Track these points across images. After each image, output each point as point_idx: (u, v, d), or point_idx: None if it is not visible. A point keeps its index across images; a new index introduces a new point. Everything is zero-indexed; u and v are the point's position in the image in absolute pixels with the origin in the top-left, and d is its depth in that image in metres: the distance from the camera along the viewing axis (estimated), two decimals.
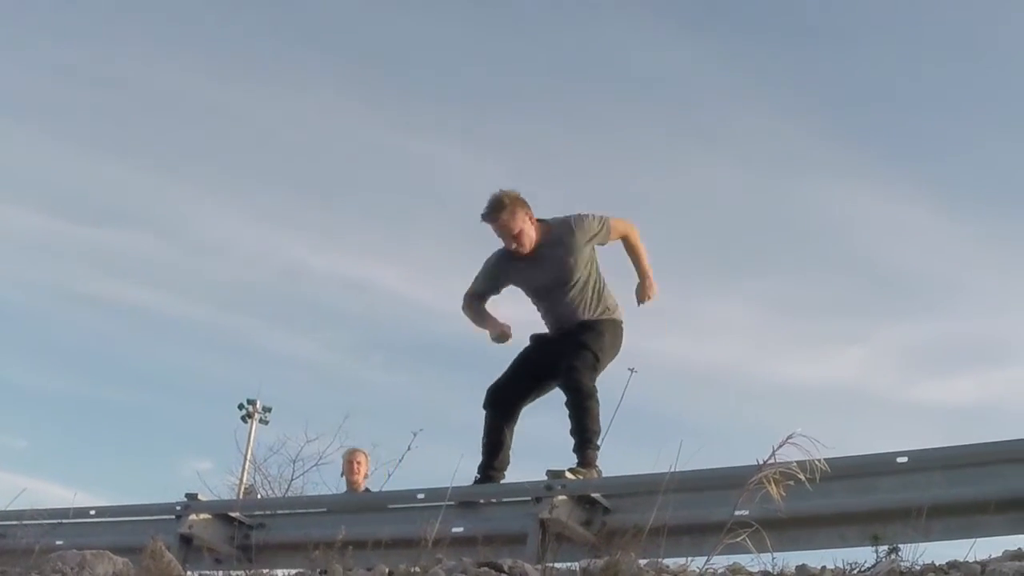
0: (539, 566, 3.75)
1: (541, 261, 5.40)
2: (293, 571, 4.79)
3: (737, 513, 3.42)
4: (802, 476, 3.21)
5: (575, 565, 3.66)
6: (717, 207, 33.72)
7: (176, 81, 33.33)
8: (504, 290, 5.64)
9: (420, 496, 5.03)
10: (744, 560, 3.66)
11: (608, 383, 5.46)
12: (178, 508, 5.51)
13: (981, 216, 33.78)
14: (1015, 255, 29.92)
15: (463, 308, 5.63)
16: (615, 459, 5.30)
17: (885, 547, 3.67)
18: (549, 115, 36.97)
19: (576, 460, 5.09)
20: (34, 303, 37.02)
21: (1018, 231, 32.07)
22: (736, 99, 32.22)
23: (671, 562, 3.69)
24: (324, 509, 5.73)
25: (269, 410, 25.18)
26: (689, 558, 3.75)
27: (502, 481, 5.34)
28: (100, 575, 4.03)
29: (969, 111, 33.47)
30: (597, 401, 5.27)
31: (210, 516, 5.45)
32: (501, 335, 5.48)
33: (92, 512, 5.98)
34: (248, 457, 22.88)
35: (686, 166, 33.95)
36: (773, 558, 3.67)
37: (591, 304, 5.43)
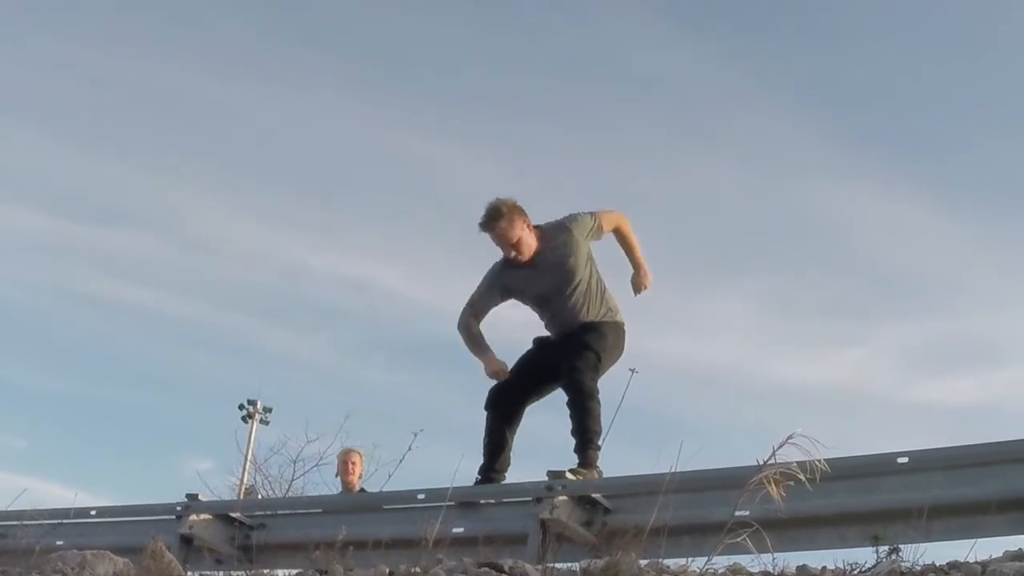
0: (540, 566, 3.75)
1: (542, 267, 5.40)
2: (294, 571, 4.78)
3: (737, 513, 3.41)
4: (802, 476, 3.21)
5: (576, 565, 3.65)
6: (717, 207, 33.77)
7: (176, 80, 33.41)
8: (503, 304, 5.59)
9: (421, 496, 5.02)
10: (744, 560, 3.66)
11: (609, 383, 5.48)
12: (179, 508, 5.50)
13: (981, 216, 33.81)
14: (1015, 255, 29.94)
15: (461, 326, 5.52)
16: (616, 459, 5.31)
17: (886, 547, 3.66)
18: (549, 115, 37.04)
19: (577, 460, 5.09)
20: (34, 303, 37.11)
21: (1018, 231, 32.10)
22: (736, 99, 32.27)
23: (672, 562, 3.70)
24: (325, 510, 5.73)
25: (270, 410, 25.27)
26: (689, 558, 3.75)
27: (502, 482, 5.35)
28: (100, 575, 4.03)
29: (969, 111, 33.51)
30: (598, 402, 5.27)
31: (211, 516, 5.45)
32: (498, 373, 5.42)
33: (93, 512, 5.98)
34: (249, 457, 22.98)
35: (686, 166, 34.00)
36: (773, 558, 3.67)
37: (594, 306, 5.43)
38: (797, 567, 3.68)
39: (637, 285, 5.60)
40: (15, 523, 5.56)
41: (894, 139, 33.59)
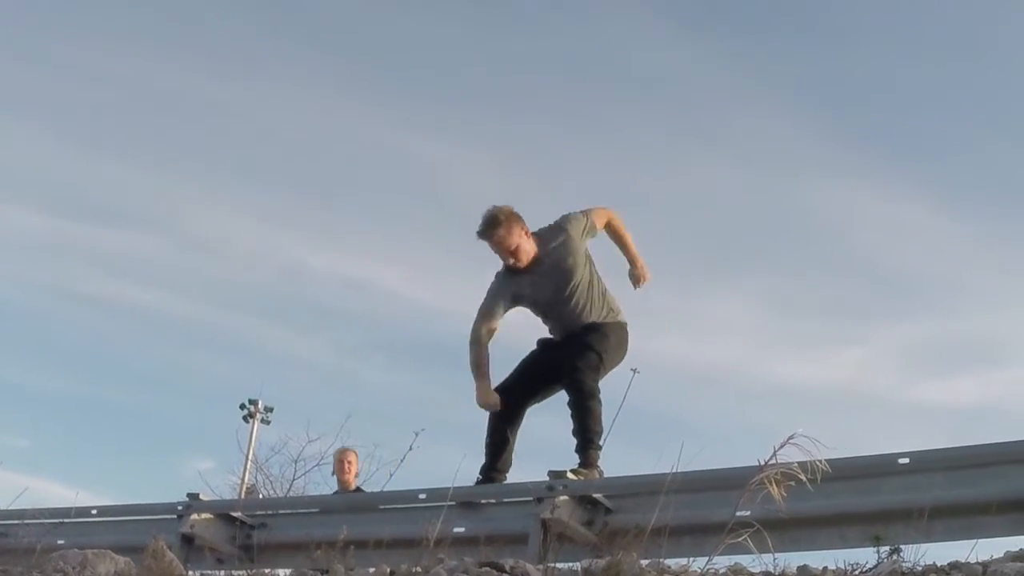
0: (541, 566, 3.75)
1: (543, 272, 5.40)
2: (295, 571, 4.79)
3: (738, 514, 3.41)
4: (803, 477, 3.21)
5: (577, 565, 3.65)
6: (717, 207, 33.77)
7: (176, 80, 33.46)
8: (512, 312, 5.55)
9: (422, 496, 5.03)
10: (745, 560, 3.67)
11: (610, 383, 5.48)
12: (180, 508, 5.51)
13: (981, 216, 33.81)
14: (1015, 255, 29.93)
15: (473, 341, 5.39)
16: (617, 459, 5.31)
17: (887, 548, 3.66)
18: (549, 115, 37.04)
19: (578, 460, 5.10)
20: (34, 303, 37.11)
21: (1018, 231, 32.08)
22: (736, 99, 32.27)
23: (673, 562, 3.70)
24: (326, 509, 5.73)
25: (271, 410, 25.28)
26: (691, 558, 3.76)
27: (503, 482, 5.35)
28: (102, 574, 4.04)
29: (969, 111, 33.50)
30: (600, 401, 5.27)
31: (212, 516, 5.45)
32: (488, 405, 5.34)
33: (94, 511, 5.99)
34: (250, 457, 22.98)
35: (686, 166, 34.00)
36: (774, 559, 3.67)
37: (596, 306, 5.43)
38: (798, 567, 3.69)
39: (636, 279, 5.59)
40: (16, 522, 5.57)
41: (894, 139, 33.63)
